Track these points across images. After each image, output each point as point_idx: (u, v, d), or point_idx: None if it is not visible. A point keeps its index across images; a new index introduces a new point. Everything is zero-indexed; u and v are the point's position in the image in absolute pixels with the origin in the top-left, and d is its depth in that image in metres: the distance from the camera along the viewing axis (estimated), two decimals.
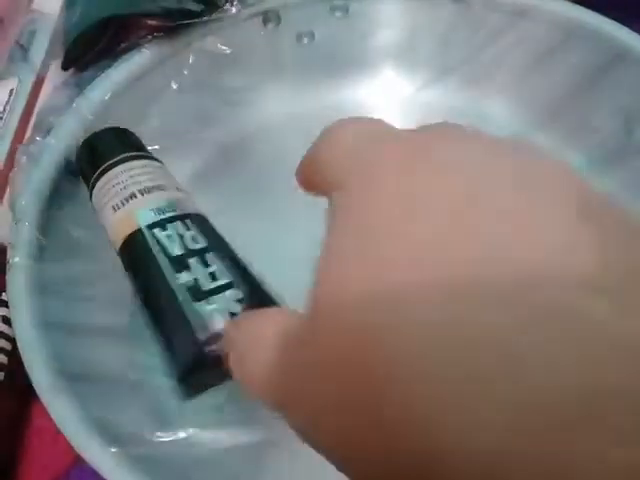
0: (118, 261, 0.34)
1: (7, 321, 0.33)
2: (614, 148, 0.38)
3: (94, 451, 0.24)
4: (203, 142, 0.39)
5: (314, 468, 0.28)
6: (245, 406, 0.29)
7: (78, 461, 0.29)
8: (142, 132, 0.38)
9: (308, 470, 0.28)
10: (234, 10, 0.39)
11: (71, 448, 0.25)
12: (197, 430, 0.28)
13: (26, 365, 0.27)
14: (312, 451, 0.15)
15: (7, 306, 0.32)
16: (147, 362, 0.31)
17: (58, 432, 0.26)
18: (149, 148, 0.38)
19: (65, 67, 0.39)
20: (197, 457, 0.28)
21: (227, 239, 0.36)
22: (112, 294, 0.33)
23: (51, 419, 0.26)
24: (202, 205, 0.38)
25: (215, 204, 0.38)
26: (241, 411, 0.29)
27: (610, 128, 0.37)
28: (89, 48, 0.39)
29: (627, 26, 0.37)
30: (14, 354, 0.32)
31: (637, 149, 0.37)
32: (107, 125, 0.36)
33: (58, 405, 0.26)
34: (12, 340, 0.33)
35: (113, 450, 0.25)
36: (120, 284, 0.34)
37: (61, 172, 0.34)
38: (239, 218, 0.37)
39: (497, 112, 0.40)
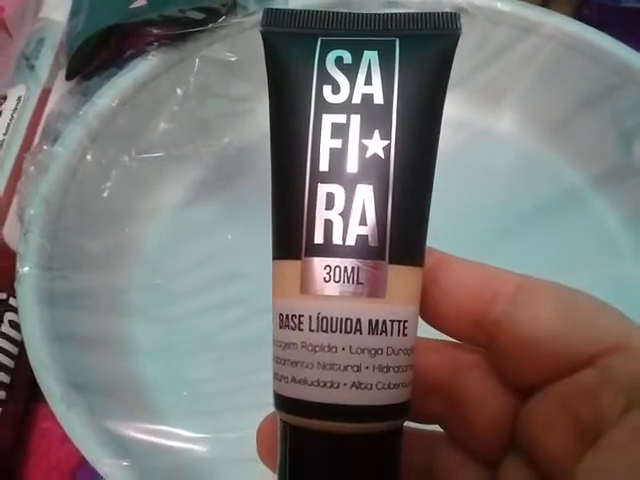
0: (124, 268, 0.35)
1: (14, 326, 0.34)
2: (614, 167, 0.38)
3: (108, 465, 0.25)
4: (208, 150, 0.40)
5: None
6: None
7: (84, 462, 0.29)
8: (148, 139, 0.38)
9: None
10: (237, 18, 0.40)
11: (77, 449, 0.26)
12: (210, 443, 0.29)
13: (37, 377, 0.28)
14: None
15: (14, 311, 0.33)
16: (156, 374, 0.31)
17: (64, 433, 0.26)
18: (154, 155, 0.38)
19: (68, 77, 0.39)
20: (205, 468, 0.28)
21: (231, 249, 0.37)
22: (121, 304, 0.33)
23: (57, 421, 0.26)
24: (206, 214, 0.38)
25: (219, 212, 0.38)
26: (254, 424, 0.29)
27: (611, 146, 0.38)
28: (92, 58, 0.40)
29: (631, 45, 0.37)
30: (21, 357, 0.33)
31: (634, 171, 0.37)
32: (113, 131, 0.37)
33: (71, 419, 0.26)
34: (19, 344, 0.33)
35: (125, 463, 0.25)
36: (126, 291, 0.35)
37: (69, 180, 0.35)
38: (244, 228, 0.37)
39: (501, 127, 0.41)
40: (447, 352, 0.19)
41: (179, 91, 0.39)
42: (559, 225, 0.37)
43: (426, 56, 0.17)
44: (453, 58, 0.18)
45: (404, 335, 0.17)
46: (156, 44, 0.39)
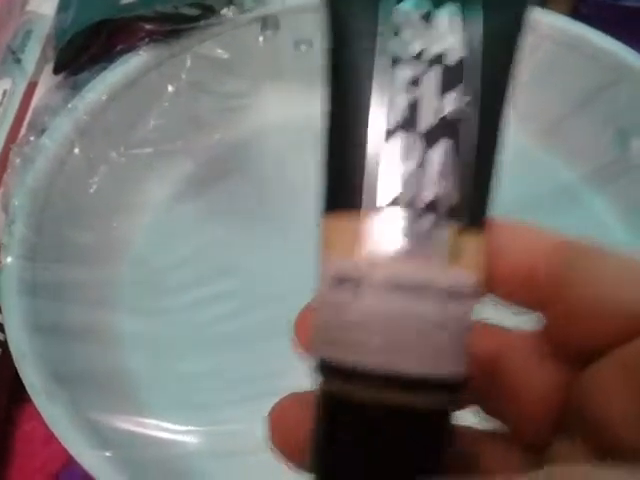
0: (111, 262, 0.34)
1: None
2: (608, 165, 0.38)
3: (89, 456, 0.24)
4: (198, 147, 0.39)
5: None
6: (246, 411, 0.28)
7: (69, 464, 0.28)
8: (137, 135, 0.38)
9: None
10: (231, 15, 0.39)
11: (62, 451, 0.25)
12: (199, 436, 0.28)
13: (18, 368, 0.26)
14: None
15: None
16: (144, 367, 0.30)
17: (48, 435, 0.25)
18: (144, 151, 0.38)
19: (56, 71, 0.39)
20: (192, 461, 0.27)
21: (221, 245, 0.36)
22: (107, 296, 0.32)
23: (42, 421, 0.25)
24: (196, 210, 0.37)
25: (209, 209, 0.37)
26: (241, 417, 0.28)
27: (605, 145, 0.38)
28: (81, 52, 0.39)
29: (625, 43, 0.37)
30: (4, 358, 0.31)
31: (630, 167, 0.37)
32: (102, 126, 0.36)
33: (52, 410, 0.25)
34: (3, 344, 0.32)
35: (107, 454, 0.24)
36: (113, 285, 0.34)
37: (55, 173, 0.34)
38: (233, 224, 0.37)
39: None
40: (492, 331, 0.18)
41: (170, 88, 0.39)
42: (554, 223, 0.36)
43: (510, 12, 0.16)
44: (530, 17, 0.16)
45: (472, 303, 0.15)
46: (147, 40, 0.39)
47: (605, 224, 0.37)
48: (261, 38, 0.40)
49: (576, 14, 0.39)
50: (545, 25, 0.38)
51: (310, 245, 0.35)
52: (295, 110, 0.41)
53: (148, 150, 0.38)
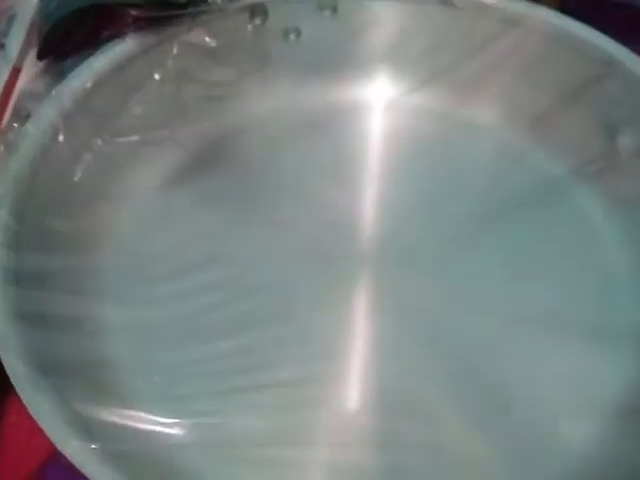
0: (95, 251, 0.34)
1: None
2: (595, 160, 0.38)
3: (74, 448, 0.24)
4: (184, 135, 0.39)
5: None
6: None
7: (55, 457, 0.28)
8: (122, 122, 0.37)
9: None
10: (219, 3, 0.39)
11: (47, 444, 0.24)
12: (184, 428, 0.28)
13: (2, 358, 0.26)
14: None
15: None
16: (128, 357, 0.30)
17: (34, 428, 0.25)
18: (129, 139, 0.37)
19: (41, 56, 0.38)
20: (178, 453, 0.27)
21: (207, 234, 0.36)
22: (92, 285, 0.32)
23: (27, 414, 0.25)
24: (182, 200, 0.37)
25: (195, 199, 0.37)
26: (227, 409, 0.28)
27: (594, 139, 0.38)
28: (67, 37, 0.38)
29: (613, 37, 0.37)
30: None
31: (617, 162, 0.37)
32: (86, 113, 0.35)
33: (36, 401, 0.25)
34: None
35: (93, 446, 0.24)
36: (97, 274, 0.33)
37: (39, 161, 0.33)
38: (220, 213, 0.37)
39: (483, 120, 0.40)
40: None
41: (156, 75, 0.38)
42: (542, 217, 0.36)
43: None
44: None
45: None
46: (134, 26, 0.38)
47: (591, 219, 0.37)
48: (249, 26, 0.40)
49: (564, 8, 0.39)
50: (532, 19, 0.39)
51: (297, 235, 0.36)
52: (283, 99, 0.41)
53: (134, 138, 0.37)
